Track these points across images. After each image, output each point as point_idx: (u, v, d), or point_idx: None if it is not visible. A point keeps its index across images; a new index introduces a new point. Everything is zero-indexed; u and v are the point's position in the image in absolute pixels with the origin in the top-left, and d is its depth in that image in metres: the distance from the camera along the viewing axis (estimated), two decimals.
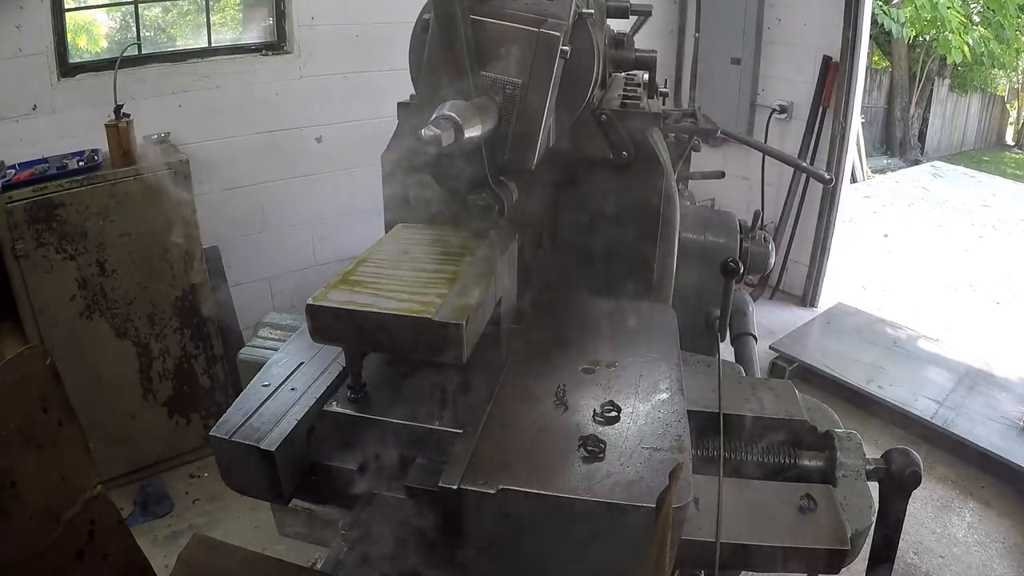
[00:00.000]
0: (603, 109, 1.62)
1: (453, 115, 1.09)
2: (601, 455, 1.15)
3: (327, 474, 1.23)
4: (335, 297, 1.17)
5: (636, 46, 1.97)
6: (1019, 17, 11.00)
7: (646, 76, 1.93)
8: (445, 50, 1.21)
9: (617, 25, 1.97)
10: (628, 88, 1.82)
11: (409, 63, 1.42)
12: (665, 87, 2.38)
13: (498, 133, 1.27)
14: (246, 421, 1.20)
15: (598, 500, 1.07)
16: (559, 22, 1.25)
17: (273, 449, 1.14)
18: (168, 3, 3.68)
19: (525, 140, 1.28)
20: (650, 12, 1.98)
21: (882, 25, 9.60)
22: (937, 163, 11.13)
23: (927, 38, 11.25)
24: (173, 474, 3.55)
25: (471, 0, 1.22)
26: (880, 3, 9.63)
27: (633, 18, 1.97)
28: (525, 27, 1.23)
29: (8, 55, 3.13)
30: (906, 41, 10.96)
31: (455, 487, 1.08)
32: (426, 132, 1.05)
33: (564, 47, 1.24)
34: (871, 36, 6.26)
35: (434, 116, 1.09)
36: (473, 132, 1.14)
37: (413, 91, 1.62)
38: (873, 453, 1.46)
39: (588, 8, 1.38)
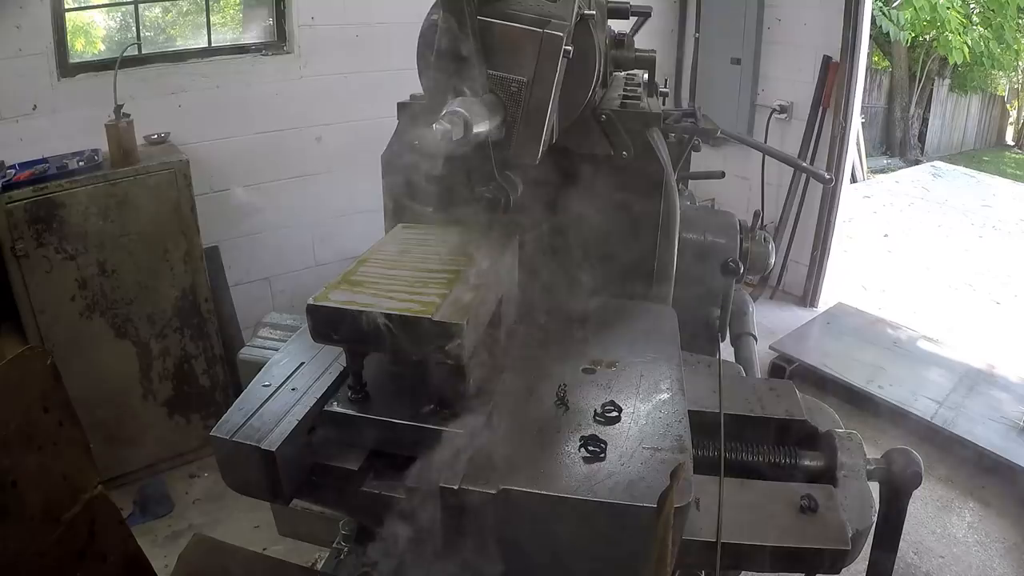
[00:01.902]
0: (603, 109, 1.63)
1: (462, 111, 1.14)
2: (602, 455, 1.15)
3: (328, 474, 1.23)
4: (336, 297, 1.17)
5: (636, 46, 1.99)
6: (1019, 18, 11.00)
7: (646, 75, 1.95)
8: (454, 49, 1.27)
9: (618, 26, 2.00)
10: (628, 88, 1.83)
11: (417, 62, 1.47)
12: (665, 87, 2.38)
13: (504, 129, 1.32)
14: (247, 421, 1.20)
15: (599, 500, 1.07)
16: (562, 23, 1.30)
17: (274, 449, 1.14)
18: (168, 3, 3.68)
19: (530, 136, 1.34)
20: (649, 13, 2.05)
21: (881, 25, 9.60)
22: (937, 163, 11.13)
23: (927, 38, 11.25)
24: (173, 474, 3.55)
25: (478, 1, 1.27)
26: (880, 4, 9.63)
27: (633, 19, 2.01)
28: (530, 28, 1.29)
29: (8, 55, 3.13)
30: (904, 43, 10.96)
31: (456, 487, 1.08)
32: (437, 126, 1.10)
33: (567, 47, 1.29)
34: (871, 36, 6.26)
35: (444, 111, 1.14)
36: (481, 128, 1.19)
37: (413, 91, 1.64)
38: (873, 453, 1.46)
39: (590, 9, 1.42)
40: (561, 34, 1.28)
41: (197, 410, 3.58)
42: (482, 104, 1.24)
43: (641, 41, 2.18)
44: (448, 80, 1.29)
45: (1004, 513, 3.44)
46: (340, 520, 1.55)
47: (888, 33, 9.90)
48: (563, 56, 1.29)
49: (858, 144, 8.85)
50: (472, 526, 1.11)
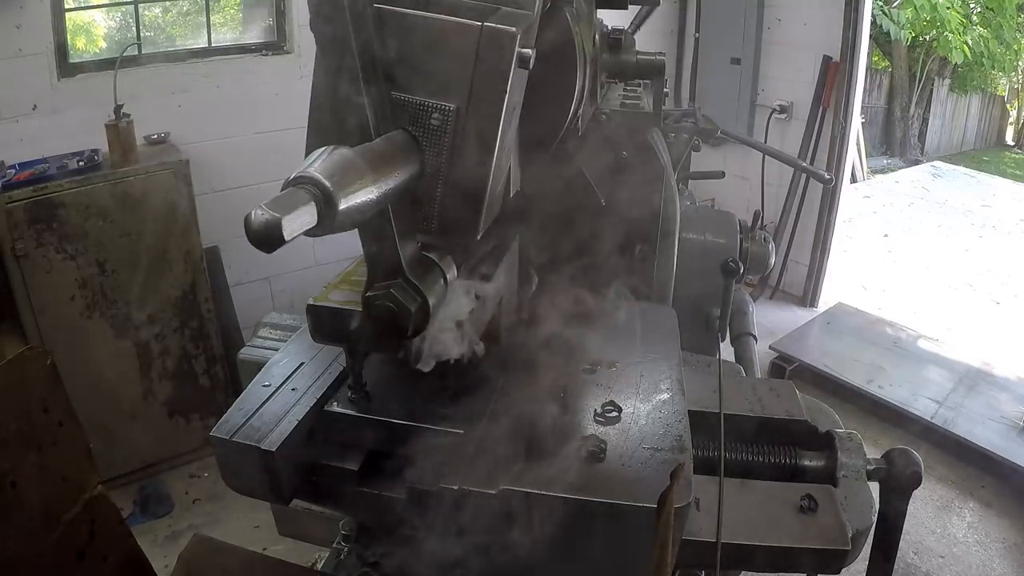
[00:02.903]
0: (602, 109, 1.61)
1: (317, 177, 0.70)
2: (602, 455, 1.15)
3: (328, 474, 1.23)
4: (336, 297, 1.17)
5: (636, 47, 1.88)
6: (1018, 18, 11.00)
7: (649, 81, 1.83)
8: (329, 60, 0.81)
9: (612, 19, 1.61)
10: (628, 88, 1.81)
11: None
12: (665, 87, 2.36)
13: (422, 185, 0.87)
14: (247, 421, 1.20)
15: (599, 500, 1.06)
16: (519, 12, 0.85)
17: (274, 449, 1.14)
18: (168, 3, 3.68)
19: (464, 194, 0.88)
20: (658, 1, 1.62)
21: (881, 25, 9.60)
22: (937, 163, 11.13)
23: (927, 38, 11.24)
24: (173, 474, 3.55)
25: None
26: (880, 4, 9.63)
27: (635, 10, 1.60)
28: (463, 20, 0.82)
29: (8, 55, 3.13)
30: (904, 43, 10.96)
31: (456, 488, 1.08)
32: (255, 216, 0.64)
33: (524, 50, 0.84)
34: (871, 36, 6.26)
35: (291, 177, 0.71)
36: (360, 197, 0.74)
37: None
38: (873, 453, 1.46)
39: None
40: (515, 29, 0.82)
41: (197, 410, 3.58)
42: (369, 155, 0.77)
43: (639, 41, 2.07)
44: (324, 114, 0.84)
45: (1004, 513, 3.44)
46: (340, 520, 1.55)
47: (888, 33, 9.90)
48: (519, 64, 0.83)
49: (858, 144, 8.85)
50: (472, 526, 1.11)
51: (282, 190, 0.70)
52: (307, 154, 0.77)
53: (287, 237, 0.65)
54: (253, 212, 0.64)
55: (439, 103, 0.84)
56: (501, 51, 0.82)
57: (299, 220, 0.66)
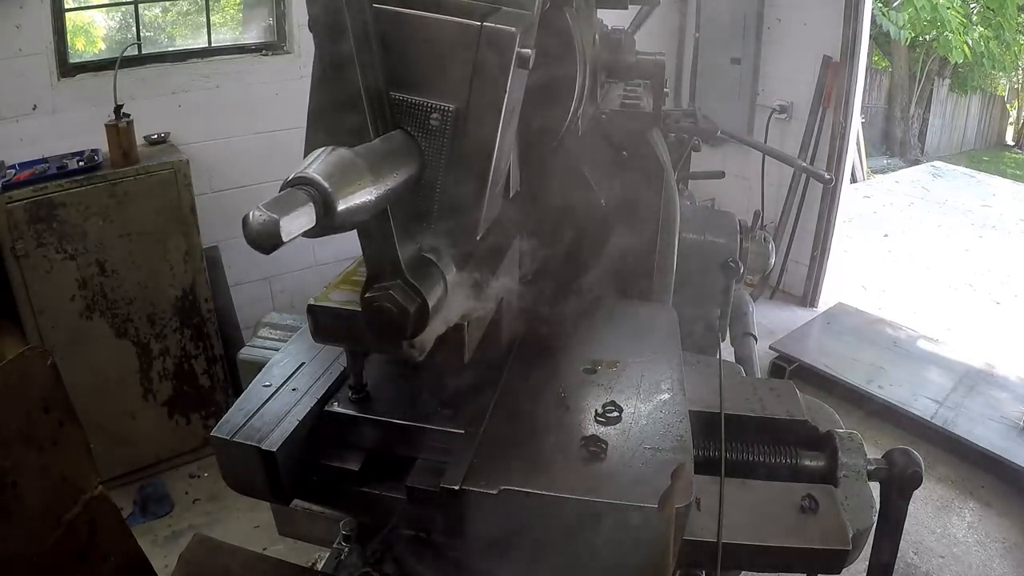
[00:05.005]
0: (602, 109, 1.61)
1: (316, 178, 0.69)
2: (603, 455, 1.15)
3: (328, 474, 1.23)
4: (336, 297, 1.17)
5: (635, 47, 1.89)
6: (1019, 18, 11.00)
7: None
8: (328, 60, 0.80)
9: (612, 19, 1.62)
10: (628, 87, 1.81)
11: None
12: (665, 87, 2.35)
13: (421, 186, 0.86)
14: (247, 421, 1.20)
15: (600, 500, 1.06)
16: (518, 13, 0.85)
17: (274, 449, 1.14)
18: (168, 3, 3.68)
19: (463, 195, 0.88)
20: (658, 1, 1.63)
21: (880, 25, 9.60)
22: (937, 163, 11.12)
23: (927, 38, 11.25)
24: (173, 474, 3.55)
25: None
26: (880, 4, 9.63)
27: (634, 10, 1.60)
28: (461, 20, 0.82)
29: (8, 55, 3.13)
30: (903, 43, 10.96)
31: (457, 488, 1.08)
32: (253, 218, 0.63)
33: (524, 50, 0.84)
34: (871, 36, 6.26)
35: (290, 178, 0.70)
36: (359, 199, 0.73)
37: None
38: (873, 453, 1.46)
39: None
40: (514, 29, 0.82)
41: (197, 410, 3.58)
42: (369, 155, 0.77)
43: (639, 41, 2.07)
44: (324, 114, 0.83)
45: (1004, 513, 3.44)
46: (340, 520, 1.55)
47: (888, 32, 9.90)
48: (518, 64, 0.84)
49: (858, 144, 8.85)
50: (473, 526, 1.11)
51: (280, 191, 0.69)
52: (306, 154, 0.76)
53: (285, 239, 0.64)
54: (251, 213, 0.63)
55: (438, 103, 0.84)
56: (501, 51, 0.82)
57: (297, 221, 0.66)
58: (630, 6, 1.42)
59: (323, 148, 0.73)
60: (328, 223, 0.69)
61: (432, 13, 0.82)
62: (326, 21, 0.76)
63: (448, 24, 0.82)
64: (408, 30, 0.82)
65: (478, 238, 0.92)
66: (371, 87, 0.79)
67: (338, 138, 0.76)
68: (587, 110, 1.25)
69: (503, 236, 1.13)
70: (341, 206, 0.70)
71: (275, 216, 0.63)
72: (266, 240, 0.63)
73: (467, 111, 0.84)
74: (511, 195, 1.04)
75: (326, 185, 0.68)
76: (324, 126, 0.85)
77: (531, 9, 0.86)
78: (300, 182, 0.69)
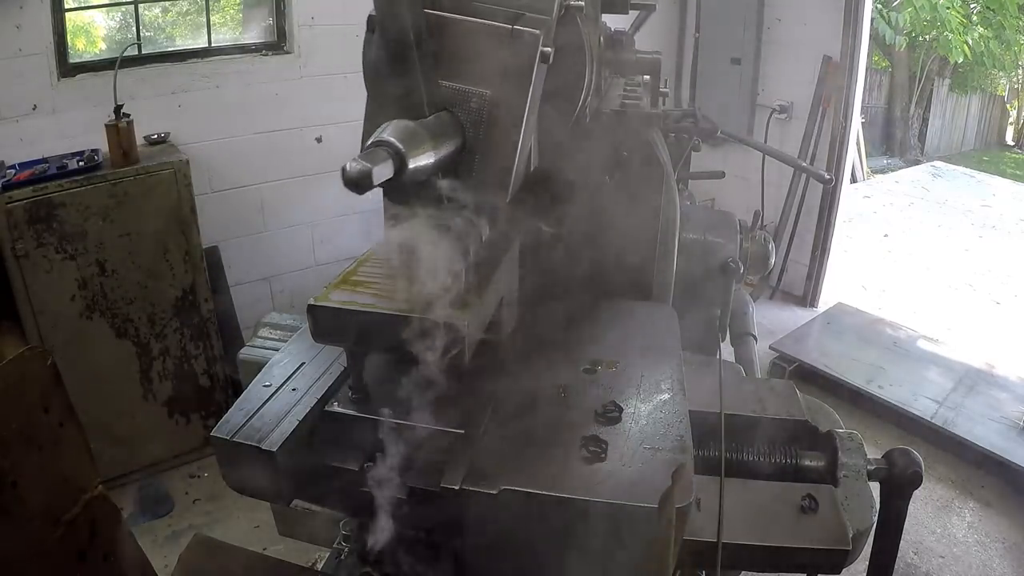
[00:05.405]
0: (602, 109, 1.61)
1: (393, 141, 0.87)
2: (603, 455, 1.15)
3: (328, 474, 1.23)
4: (337, 297, 1.17)
5: (635, 46, 1.93)
6: (1019, 18, 10.99)
7: (646, 78, 1.89)
8: (390, 54, 0.96)
9: (615, 22, 1.80)
10: (628, 87, 1.82)
11: (363, 74, 1.15)
12: (665, 87, 2.36)
13: (462, 158, 1.04)
14: (247, 421, 1.20)
15: (600, 500, 1.06)
16: (540, 18, 1.04)
17: (275, 449, 1.14)
18: (168, 3, 3.68)
19: (496, 166, 1.05)
20: (654, 6, 1.80)
21: (878, 28, 9.57)
22: (937, 163, 11.12)
23: (927, 38, 11.24)
24: (173, 474, 3.55)
25: None
26: (879, 5, 9.62)
27: (634, 14, 1.83)
28: (496, 23, 1.02)
29: (8, 55, 3.13)
30: (899, 48, 10.94)
31: (457, 487, 1.08)
32: (350, 166, 0.82)
33: (546, 48, 1.03)
34: (871, 36, 6.26)
35: (369, 142, 0.89)
36: (423, 160, 0.92)
37: None
38: (873, 453, 1.46)
39: (578, 0, 1.19)
40: (538, 32, 1.02)
41: (197, 410, 3.58)
42: (426, 128, 0.95)
43: (640, 41, 2.12)
44: (385, 96, 1.00)
45: (1004, 513, 3.44)
46: (340, 520, 1.55)
47: (885, 36, 9.89)
48: (540, 60, 1.03)
49: (858, 144, 8.85)
50: (473, 526, 1.11)
51: (364, 150, 0.87)
52: (366, 120, 1.04)
53: (375, 183, 0.82)
54: (348, 164, 0.82)
55: (477, 90, 1.03)
56: (526, 49, 1.02)
57: (382, 172, 0.84)
58: (630, 11, 1.62)
59: (394, 120, 0.91)
60: (401, 177, 0.87)
61: (473, 18, 1.02)
62: (389, 25, 0.94)
63: (485, 27, 1.02)
64: (454, 32, 1.02)
65: (508, 200, 1.09)
66: (426, 76, 0.98)
67: (399, 115, 0.94)
68: (593, 101, 1.42)
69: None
70: (411, 164, 0.88)
71: (368, 165, 0.82)
72: (361, 182, 0.82)
73: (500, 96, 1.03)
74: (532, 168, 1.22)
75: (400, 146, 0.87)
76: (386, 106, 1.01)
77: (549, 15, 1.05)
78: (381, 144, 0.87)
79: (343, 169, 0.82)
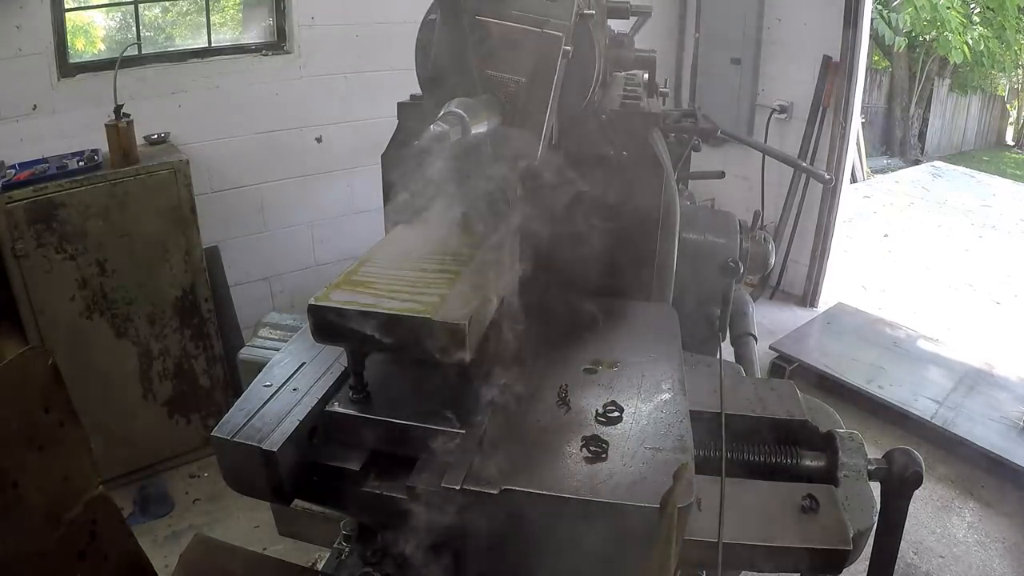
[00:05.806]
0: (603, 109, 1.62)
1: (460, 111, 1.13)
2: (604, 455, 1.15)
3: (328, 474, 1.23)
4: (337, 297, 1.17)
5: (636, 46, 1.98)
6: (1019, 18, 10.99)
7: (646, 76, 1.94)
8: (451, 49, 1.28)
9: (617, 26, 1.99)
10: (628, 88, 1.82)
11: (415, 62, 1.49)
12: (665, 87, 2.37)
13: (502, 129, 1.32)
14: (248, 421, 1.20)
15: (601, 500, 1.07)
16: (561, 22, 1.30)
17: (275, 449, 1.14)
18: (168, 3, 3.68)
19: (529, 135, 1.33)
20: (650, 13, 2.05)
21: (877, 29, 9.57)
22: (937, 163, 11.12)
23: (927, 38, 11.24)
24: (173, 474, 3.55)
25: (476, 1, 1.29)
26: (879, 5, 9.61)
27: (633, 19, 2.00)
28: (528, 27, 1.30)
29: (8, 55, 3.13)
30: (897, 49, 10.94)
31: (458, 487, 1.08)
32: (434, 128, 1.10)
33: (566, 47, 1.29)
34: (871, 36, 6.26)
35: (442, 112, 1.14)
36: (479, 128, 1.19)
37: (413, 91, 1.63)
38: (873, 453, 1.46)
39: (589, 9, 1.42)
40: (560, 34, 1.29)
41: (197, 410, 3.58)
42: (480, 104, 1.24)
43: (641, 41, 2.17)
44: (446, 80, 1.29)
45: (1004, 513, 3.44)
46: (340, 520, 1.55)
47: (885, 37, 9.88)
48: (562, 56, 1.30)
49: (858, 144, 8.85)
50: (473, 526, 1.11)
51: (439, 118, 1.12)
52: (424, 97, 1.49)
53: (452, 139, 1.10)
54: (432, 125, 1.10)
55: (515, 77, 1.31)
56: (552, 47, 1.29)
57: (454, 133, 1.11)
58: (630, 16, 1.88)
59: (458, 98, 1.19)
60: (466, 138, 1.14)
61: (510, 23, 1.30)
62: (449, 27, 1.28)
63: (521, 30, 1.30)
64: (497, 33, 1.30)
65: (537, 160, 1.32)
66: (476, 66, 1.30)
67: (454, 94, 1.21)
68: (599, 93, 1.66)
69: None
70: (473, 130, 1.15)
71: (447, 128, 1.10)
72: (440, 140, 1.09)
73: (532, 83, 1.31)
74: (552, 141, 1.45)
75: (464, 115, 1.13)
76: (442, 89, 1.30)
77: (568, 20, 1.32)
78: (451, 114, 1.13)
79: (428, 128, 1.09)
